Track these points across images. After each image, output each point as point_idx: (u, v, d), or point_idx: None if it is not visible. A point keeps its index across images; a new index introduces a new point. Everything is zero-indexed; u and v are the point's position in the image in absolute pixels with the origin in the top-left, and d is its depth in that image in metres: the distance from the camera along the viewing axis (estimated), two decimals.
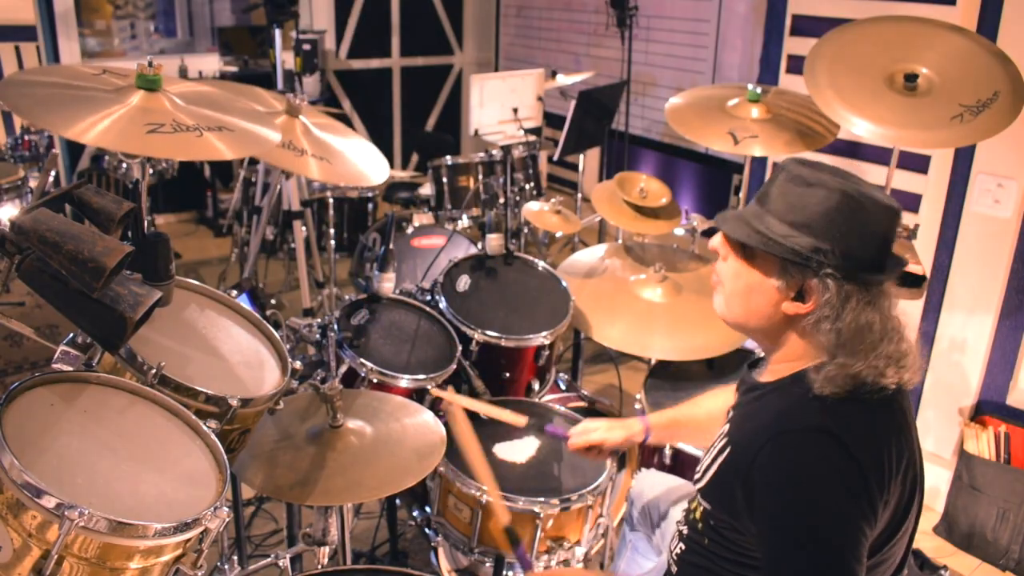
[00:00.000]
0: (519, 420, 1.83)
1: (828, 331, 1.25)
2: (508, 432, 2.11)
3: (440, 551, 2.10)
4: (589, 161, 5.39)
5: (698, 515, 1.45)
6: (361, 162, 2.18)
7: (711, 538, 1.40)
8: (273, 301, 3.65)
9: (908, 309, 2.96)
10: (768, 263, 1.30)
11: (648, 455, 2.31)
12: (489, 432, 2.10)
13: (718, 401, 1.73)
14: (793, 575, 1.19)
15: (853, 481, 1.19)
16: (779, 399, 1.33)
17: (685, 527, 1.50)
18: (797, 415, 1.27)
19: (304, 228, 3.35)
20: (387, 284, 2.26)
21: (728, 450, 1.36)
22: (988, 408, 2.85)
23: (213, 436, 1.38)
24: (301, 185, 3.35)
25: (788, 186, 1.29)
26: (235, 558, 2.15)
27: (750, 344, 2.48)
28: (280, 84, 4.19)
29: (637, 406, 2.40)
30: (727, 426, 1.44)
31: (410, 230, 3.40)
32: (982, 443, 2.74)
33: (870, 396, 1.25)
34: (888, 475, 1.22)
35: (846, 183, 1.25)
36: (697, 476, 1.45)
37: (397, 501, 2.37)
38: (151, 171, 4.05)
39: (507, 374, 2.34)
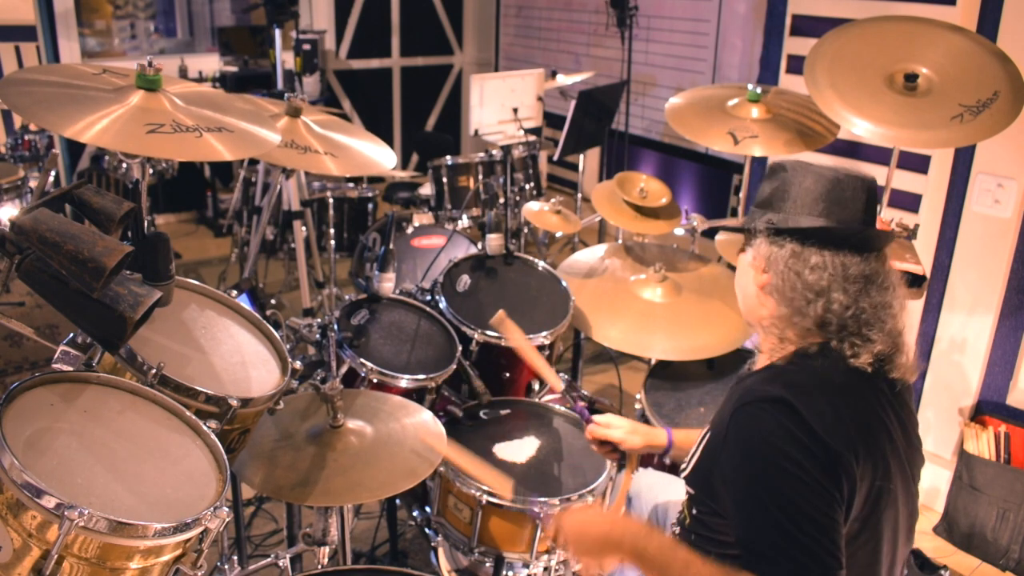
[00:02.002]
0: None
1: (773, 290, 1.36)
2: (508, 432, 2.11)
3: (440, 551, 2.10)
4: (589, 161, 5.39)
5: (686, 508, 1.46)
6: (370, 152, 2.18)
7: (696, 531, 1.42)
8: (273, 301, 3.65)
9: (908, 309, 2.96)
10: (745, 248, 1.44)
11: (648, 455, 2.31)
12: (489, 432, 2.11)
13: None
14: (765, 541, 1.20)
15: (811, 446, 1.21)
16: (750, 381, 1.39)
17: (677, 527, 1.52)
18: (757, 389, 1.32)
19: (304, 228, 3.34)
20: (387, 284, 2.26)
21: (708, 435, 1.41)
22: (988, 408, 2.85)
23: (213, 436, 1.38)
24: (301, 185, 3.35)
25: (762, 180, 1.46)
26: (235, 558, 2.15)
27: (750, 344, 2.48)
28: (280, 84, 4.20)
29: (637, 406, 2.40)
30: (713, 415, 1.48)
31: (410, 230, 3.40)
32: (982, 443, 2.74)
33: (834, 370, 1.30)
34: (849, 446, 1.23)
35: (798, 162, 1.40)
36: (683, 465, 1.48)
37: (397, 501, 2.37)
38: (151, 171, 4.04)
39: (507, 374, 2.34)
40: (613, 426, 1.81)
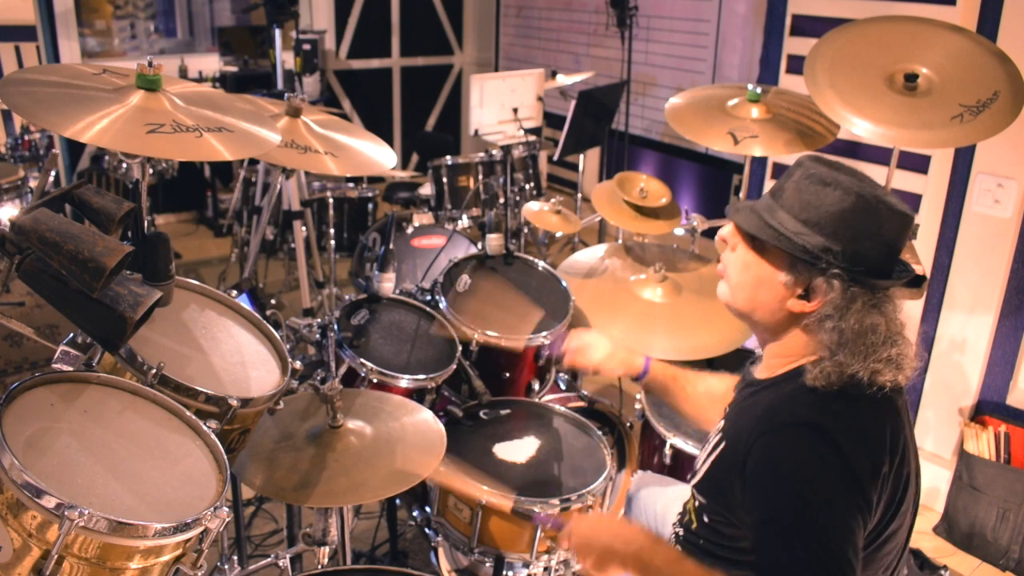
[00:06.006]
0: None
1: (831, 330, 1.26)
2: (508, 432, 2.11)
3: (440, 551, 2.11)
4: (589, 161, 5.39)
5: (693, 514, 1.46)
6: (370, 152, 2.18)
7: (706, 537, 1.41)
8: (273, 301, 3.65)
9: (908, 309, 2.96)
10: (777, 258, 1.31)
11: (648, 455, 2.31)
12: (489, 432, 2.11)
13: (722, 384, 1.73)
14: (785, 566, 1.19)
15: (843, 475, 1.19)
16: (772, 394, 1.34)
17: (680, 528, 1.51)
18: (788, 410, 1.28)
19: (304, 228, 3.35)
20: (387, 284, 2.26)
21: (723, 445, 1.38)
22: (988, 408, 2.85)
23: (213, 436, 1.38)
24: (301, 185, 3.35)
25: (804, 183, 1.29)
26: (235, 558, 2.15)
27: (750, 344, 2.48)
28: (280, 84, 4.20)
29: (637, 406, 2.41)
30: (723, 422, 1.45)
31: (410, 230, 3.40)
32: (982, 443, 2.74)
33: (863, 393, 1.25)
34: (878, 470, 1.22)
35: (863, 186, 1.26)
36: (692, 472, 1.46)
37: (397, 501, 2.37)
38: (151, 171, 4.04)
39: (507, 374, 2.34)
40: (591, 348, 1.81)
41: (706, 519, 1.41)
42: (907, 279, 1.30)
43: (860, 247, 1.25)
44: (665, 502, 1.89)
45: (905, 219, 1.27)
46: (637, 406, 2.42)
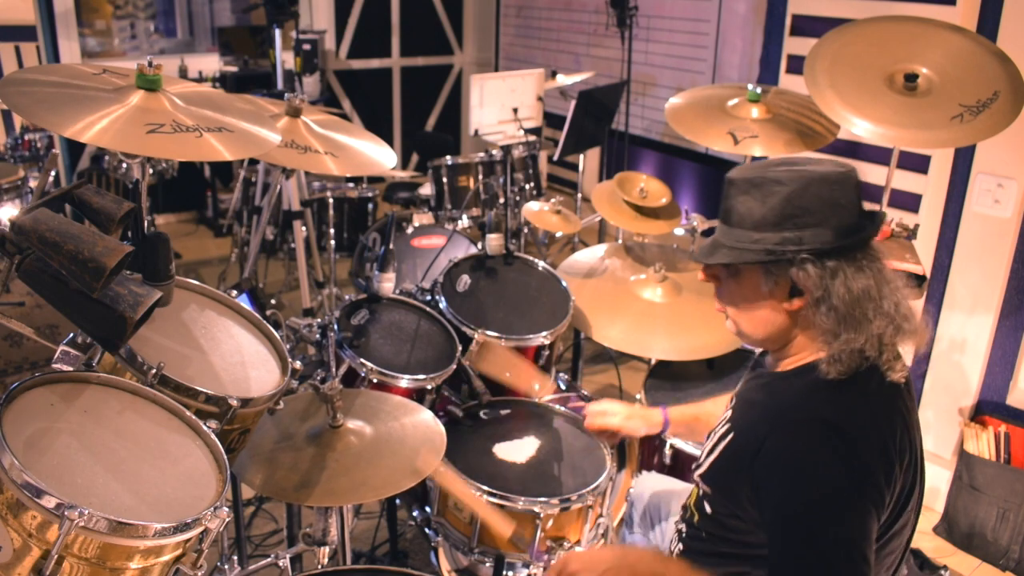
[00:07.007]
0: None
1: (827, 312, 1.27)
2: (508, 432, 2.11)
3: (440, 551, 2.10)
4: (589, 161, 5.39)
5: (694, 508, 1.45)
6: (370, 152, 2.18)
7: (708, 530, 1.41)
8: (273, 301, 3.65)
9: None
10: (753, 273, 1.33)
11: (648, 455, 2.31)
12: (489, 432, 2.11)
13: None
14: (801, 564, 1.20)
15: (857, 470, 1.20)
16: (784, 387, 1.35)
17: (683, 524, 1.51)
18: (801, 405, 1.28)
19: (304, 228, 3.34)
20: (387, 284, 2.26)
21: (731, 436, 1.38)
22: (988, 408, 2.85)
23: (213, 436, 1.38)
24: (301, 185, 3.35)
25: (739, 196, 1.33)
26: (235, 558, 2.15)
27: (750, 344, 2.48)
28: (280, 84, 4.20)
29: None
30: (730, 412, 1.45)
31: (410, 230, 3.40)
32: (982, 443, 2.74)
33: (874, 381, 1.26)
34: (891, 465, 1.23)
35: (790, 170, 1.28)
36: (697, 462, 1.46)
37: (397, 501, 2.37)
38: (151, 171, 4.04)
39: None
40: (608, 413, 1.85)
41: (709, 509, 1.41)
42: (878, 223, 1.30)
43: (813, 221, 1.26)
44: (668, 503, 1.89)
45: (841, 176, 1.28)
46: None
